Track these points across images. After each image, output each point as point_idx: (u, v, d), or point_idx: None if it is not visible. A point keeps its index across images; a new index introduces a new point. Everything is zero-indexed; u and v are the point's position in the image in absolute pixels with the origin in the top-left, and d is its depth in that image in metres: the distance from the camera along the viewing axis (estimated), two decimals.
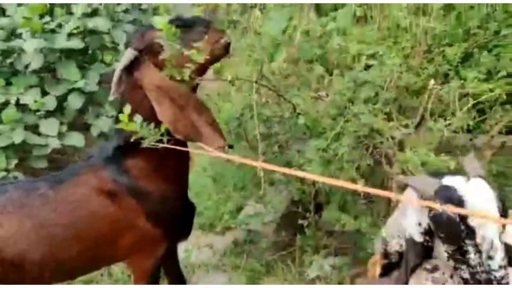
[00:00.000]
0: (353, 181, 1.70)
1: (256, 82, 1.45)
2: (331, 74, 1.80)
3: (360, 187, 1.23)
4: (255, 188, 2.58)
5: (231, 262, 2.27)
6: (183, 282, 1.85)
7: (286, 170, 1.24)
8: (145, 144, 1.34)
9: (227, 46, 1.45)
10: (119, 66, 1.47)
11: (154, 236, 1.55)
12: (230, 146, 1.52)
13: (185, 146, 1.50)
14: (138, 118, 1.34)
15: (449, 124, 1.56)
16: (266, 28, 1.58)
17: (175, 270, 1.83)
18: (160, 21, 1.31)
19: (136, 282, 1.67)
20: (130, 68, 1.46)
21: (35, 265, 1.46)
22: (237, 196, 2.59)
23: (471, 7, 1.99)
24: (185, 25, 1.42)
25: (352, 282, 2.17)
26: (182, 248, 2.27)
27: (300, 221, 2.20)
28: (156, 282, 1.66)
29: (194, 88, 1.50)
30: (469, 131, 2.47)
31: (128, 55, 1.45)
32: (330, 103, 1.69)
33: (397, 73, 1.65)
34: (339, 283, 2.18)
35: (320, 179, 1.31)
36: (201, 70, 1.45)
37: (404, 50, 1.74)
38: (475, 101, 1.60)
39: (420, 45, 1.90)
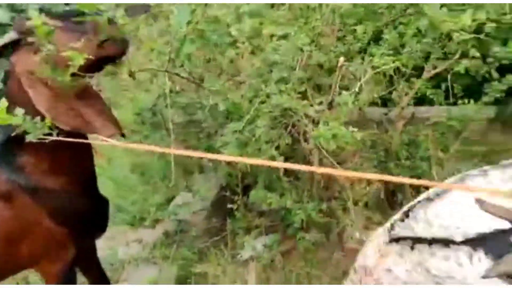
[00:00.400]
0: (273, 159, 1.74)
1: (166, 71, 1.39)
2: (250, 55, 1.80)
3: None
4: (183, 178, 2.55)
5: (162, 253, 2.23)
6: (105, 280, 1.77)
7: (198, 154, 1.22)
8: (30, 138, 1.23)
9: (122, 46, 1.36)
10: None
11: (60, 236, 1.45)
12: (122, 135, 1.44)
13: (81, 137, 1.35)
14: (19, 110, 1.21)
15: (356, 98, 1.64)
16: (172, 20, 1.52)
17: (94, 269, 1.74)
18: (35, 15, 1.18)
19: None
20: (9, 54, 1.32)
21: None
22: (164, 188, 2.53)
23: None
24: (68, 15, 1.32)
25: (283, 258, 2.25)
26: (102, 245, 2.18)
27: (229, 205, 2.22)
28: (73, 282, 1.57)
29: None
30: (385, 105, 2.64)
31: (6, 38, 1.32)
32: (246, 86, 1.69)
33: (307, 52, 1.69)
34: (271, 261, 2.24)
35: (238, 159, 1.31)
36: (95, 66, 1.36)
37: (314, 30, 1.79)
38: (373, 72, 1.68)
39: (331, 25, 1.97)
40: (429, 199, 1.21)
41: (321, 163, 2.24)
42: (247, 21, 1.64)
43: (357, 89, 1.62)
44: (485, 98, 2.24)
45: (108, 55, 1.37)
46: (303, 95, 1.89)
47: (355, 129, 1.53)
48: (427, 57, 2.23)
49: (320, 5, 1.84)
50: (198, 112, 1.96)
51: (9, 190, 1.38)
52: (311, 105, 1.70)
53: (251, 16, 1.71)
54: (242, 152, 1.65)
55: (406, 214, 1.20)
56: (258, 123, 1.62)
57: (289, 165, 1.35)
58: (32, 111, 1.25)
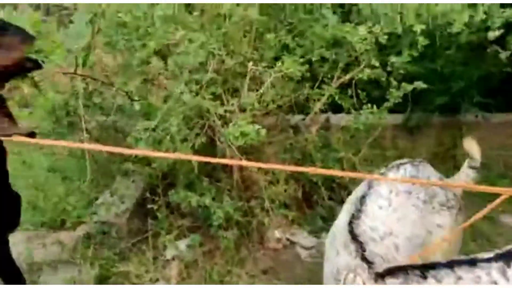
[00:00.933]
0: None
1: (74, 73, 1.43)
2: (163, 58, 1.89)
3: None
4: (105, 180, 2.55)
5: (82, 254, 2.21)
6: (19, 278, 1.74)
7: (112, 149, 1.28)
8: None
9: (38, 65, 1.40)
10: None
11: None
12: (31, 134, 1.47)
13: None
14: None
15: (261, 99, 1.78)
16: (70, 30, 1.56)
17: (7, 266, 1.71)
18: None
19: None
20: None
21: None
22: (85, 190, 2.52)
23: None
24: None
25: (205, 257, 2.31)
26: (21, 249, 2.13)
27: (149, 206, 2.26)
28: None
29: None
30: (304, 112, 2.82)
31: None
32: (160, 88, 1.77)
33: (218, 57, 1.81)
34: (194, 261, 2.30)
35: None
36: (4, 76, 1.39)
37: (225, 36, 1.92)
38: (274, 76, 1.84)
39: (245, 32, 2.11)
40: None
41: (241, 166, 2.37)
42: (160, 25, 1.73)
43: (261, 91, 1.76)
44: (386, 104, 2.50)
45: (24, 70, 1.40)
46: (219, 97, 2.01)
47: (260, 127, 1.66)
48: (334, 65, 2.46)
49: (231, 12, 1.98)
50: (113, 112, 2.00)
51: None
52: (222, 105, 1.82)
53: (165, 20, 1.80)
54: (156, 149, 1.72)
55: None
56: (171, 121, 1.70)
57: (204, 159, 1.42)
58: None
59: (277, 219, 2.43)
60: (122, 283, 2.13)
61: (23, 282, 1.76)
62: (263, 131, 1.66)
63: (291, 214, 2.36)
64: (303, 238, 2.53)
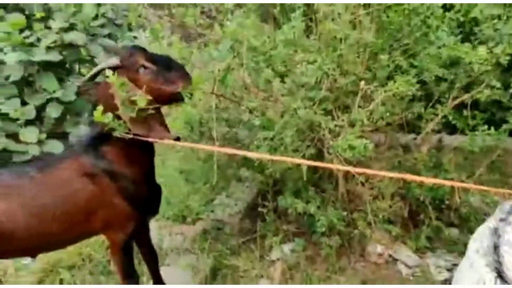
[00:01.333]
0: (299, 166, 2.01)
1: (212, 93, 1.73)
2: (281, 77, 2.12)
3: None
4: (223, 184, 2.87)
5: (200, 246, 2.54)
6: (155, 254, 2.12)
7: (240, 152, 1.53)
8: (116, 134, 1.63)
9: (178, 95, 1.70)
10: (101, 65, 1.75)
11: (126, 211, 1.81)
12: (177, 139, 1.79)
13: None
14: (109, 114, 1.61)
15: (371, 116, 1.89)
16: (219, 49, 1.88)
17: (147, 243, 2.09)
18: (111, 76, 1.56)
19: (112, 253, 1.92)
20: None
21: (22, 238, 1.68)
22: (205, 190, 2.88)
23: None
24: (162, 64, 1.71)
25: (307, 262, 2.46)
26: (155, 234, 2.53)
27: (260, 209, 2.49)
28: (129, 253, 1.92)
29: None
30: (415, 132, 2.82)
31: (112, 61, 1.72)
32: (279, 103, 2.00)
33: (331, 76, 1.97)
34: (296, 264, 2.46)
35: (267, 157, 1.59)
36: (163, 101, 1.73)
37: (340, 58, 2.07)
38: (385, 95, 1.92)
39: (358, 53, 2.24)
40: None
41: (346, 178, 2.48)
42: (281, 48, 1.96)
43: (371, 108, 1.86)
44: (505, 126, 2.38)
45: (174, 101, 1.77)
46: (331, 113, 2.16)
47: (368, 141, 1.77)
48: (451, 86, 2.43)
49: (347, 36, 2.13)
50: (237, 125, 2.29)
51: (93, 171, 1.76)
52: (333, 120, 1.97)
53: (286, 45, 2.03)
54: (272, 154, 1.95)
55: None
56: (286, 133, 1.91)
57: (312, 163, 1.59)
58: (116, 116, 1.64)
59: (380, 234, 2.46)
60: (232, 275, 2.39)
61: (156, 257, 2.12)
62: (371, 146, 1.76)
63: (395, 230, 2.37)
64: (406, 256, 2.52)
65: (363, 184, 2.44)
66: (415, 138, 2.76)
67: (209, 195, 2.93)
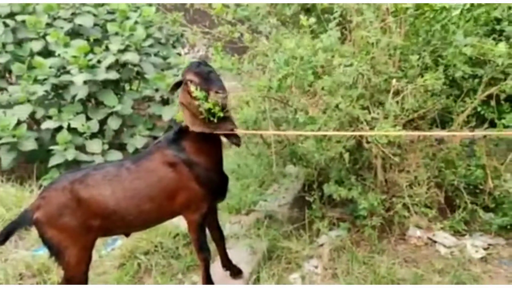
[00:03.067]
0: (341, 155, 2.33)
1: (266, 96, 2.11)
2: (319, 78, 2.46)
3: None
4: (273, 177, 3.23)
5: (255, 232, 2.88)
6: (222, 235, 2.48)
7: (294, 133, 1.85)
8: (193, 129, 2.11)
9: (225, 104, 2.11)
10: (175, 81, 2.21)
11: (200, 194, 2.19)
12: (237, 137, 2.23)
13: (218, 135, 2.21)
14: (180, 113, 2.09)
15: (403, 107, 2.18)
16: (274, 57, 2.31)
17: (216, 225, 2.46)
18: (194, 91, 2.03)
19: (189, 231, 2.30)
20: (180, 84, 2.18)
21: (123, 215, 2.11)
22: (256, 185, 3.24)
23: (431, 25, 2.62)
24: (202, 77, 2.11)
25: (351, 245, 2.72)
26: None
27: (307, 198, 2.80)
28: (203, 231, 2.29)
29: None
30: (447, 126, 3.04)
31: (177, 79, 2.20)
32: (321, 102, 2.32)
33: (366, 76, 2.28)
34: (342, 246, 2.73)
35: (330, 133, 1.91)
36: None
37: (373, 60, 2.37)
38: (412, 88, 2.20)
39: (389, 56, 2.53)
40: None
41: (385, 167, 2.74)
42: (321, 54, 2.29)
43: (402, 101, 2.15)
44: None
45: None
46: (367, 109, 2.46)
47: (400, 128, 2.05)
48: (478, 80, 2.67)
49: (378, 41, 2.43)
50: (284, 123, 2.64)
51: (175, 161, 2.17)
52: (369, 113, 2.27)
53: (324, 51, 2.36)
54: (318, 145, 2.28)
55: None
56: (330, 125, 2.23)
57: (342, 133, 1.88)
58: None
59: (418, 217, 2.70)
60: (285, 256, 2.70)
61: (223, 237, 2.50)
62: (403, 132, 2.04)
63: (431, 213, 2.60)
64: (443, 238, 2.74)
65: (400, 172, 2.71)
66: (448, 131, 2.99)
67: (260, 189, 3.28)
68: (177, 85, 2.20)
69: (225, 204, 3.18)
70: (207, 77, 2.13)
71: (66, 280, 2.16)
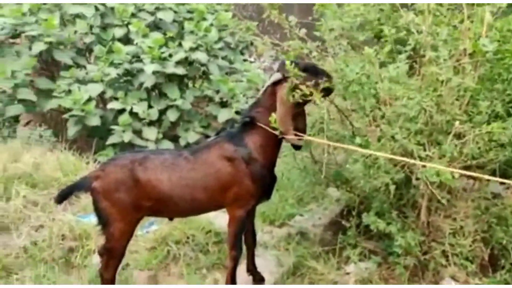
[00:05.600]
0: (386, 186, 2.29)
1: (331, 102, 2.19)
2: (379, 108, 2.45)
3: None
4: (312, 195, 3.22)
5: (284, 246, 2.88)
6: (255, 237, 2.53)
7: (350, 147, 1.87)
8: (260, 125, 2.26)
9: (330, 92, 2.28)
10: (270, 80, 2.31)
11: (251, 191, 2.26)
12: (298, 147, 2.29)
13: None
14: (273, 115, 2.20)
15: (460, 151, 2.11)
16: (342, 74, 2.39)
17: (251, 227, 2.52)
18: (290, 68, 2.15)
19: (230, 225, 2.35)
20: (274, 84, 2.27)
21: (176, 201, 2.23)
22: (294, 199, 3.26)
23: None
24: (309, 69, 2.23)
25: (379, 280, 2.65)
26: None
27: (343, 223, 2.77)
28: (242, 229, 2.35)
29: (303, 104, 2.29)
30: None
31: (276, 76, 2.27)
32: (378, 129, 2.31)
33: (428, 113, 2.24)
34: (369, 280, 2.67)
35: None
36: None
37: (439, 98, 2.32)
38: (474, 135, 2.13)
39: (458, 97, 2.47)
40: None
41: (430, 210, 2.65)
42: (386, 84, 2.29)
43: (462, 146, 2.09)
44: None
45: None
46: (423, 146, 2.41)
47: (455, 170, 1.99)
48: None
49: (449, 79, 2.38)
50: (340, 139, 2.66)
51: (233, 156, 2.25)
52: (424, 150, 2.22)
53: (390, 81, 2.35)
54: (366, 171, 2.27)
55: None
56: (380, 154, 2.21)
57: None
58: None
59: (454, 269, 2.57)
60: (309, 275, 2.68)
61: (255, 239, 2.55)
62: (457, 175, 1.98)
63: (471, 267, 2.47)
64: None
65: (445, 217, 2.61)
66: (507, 188, 2.84)
67: (298, 205, 3.29)
68: (275, 84, 2.27)
69: (261, 212, 3.21)
70: (313, 70, 2.27)
71: (106, 250, 2.30)
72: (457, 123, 2.26)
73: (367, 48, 2.34)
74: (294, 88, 2.20)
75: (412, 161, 2.03)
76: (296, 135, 2.24)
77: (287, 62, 2.21)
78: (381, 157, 2.22)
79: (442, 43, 2.40)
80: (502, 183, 2.94)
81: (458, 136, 2.35)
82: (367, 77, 2.44)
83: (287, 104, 2.21)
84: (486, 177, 1.99)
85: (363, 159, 2.27)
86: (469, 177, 2.70)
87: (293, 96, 2.20)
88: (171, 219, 2.49)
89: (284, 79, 2.24)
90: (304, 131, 2.34)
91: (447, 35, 2.44)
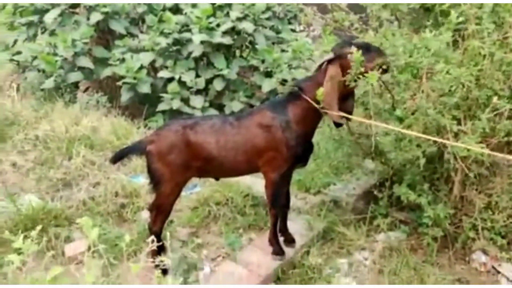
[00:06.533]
0: (417, 159, 2.33)
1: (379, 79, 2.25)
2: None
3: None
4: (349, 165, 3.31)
5: (317, 212, 3.02)
6: (289, 199, 2.69)
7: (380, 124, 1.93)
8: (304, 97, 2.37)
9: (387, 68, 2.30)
10: (324, 59, 2.38)
11: (285, 157, 2.41)
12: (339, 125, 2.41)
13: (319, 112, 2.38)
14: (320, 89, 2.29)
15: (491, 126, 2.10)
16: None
17: (286, 190, 2.67)
18: (355, 54, 2.18)
19: (266, 187, 2.53)
20: (328, 61, 2.35)
21: (221, 162, 2.43)
22: (332, 169, 3.37)
23: None
24: (363, 48, 2.25)
25: (407, 250, 2.72)
26: None
27: (375, 193, 2.85)
28: (278, 189, 2.50)
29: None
30: None
31: (329, 56, 2.35)
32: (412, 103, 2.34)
33: (467, 87, 2.22)
34: (398, 249, 2.75)
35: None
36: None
37: (480, 72, 2.28)
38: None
39: (499, 71, 2.41)
40: None
41: (464, 184, 2.66)
42: (426, 57, 2.29)
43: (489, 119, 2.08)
44: None
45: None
46: (458, 120, 2.40)
47: (484, 146, 2.00)
48: None
49: (492, 54, 2.33)
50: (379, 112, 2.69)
51: (271, 124, 2.40)
52: (459, 125, 2.23)
53: (434, 54, 2.33)
54: (396, 144, 2.33)
55: None
56: (412, 127, 2.24)
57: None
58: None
59: (484, 243, 2.58)
60: (339, 240, 2.82)
61: (289, 204, 2.72)
62: (486, 150, 1.99)
63: (502, 241, 2.49)
64: (510, 271, 2.60)
65: (479, 192, 2.61)
66: None
67: (334, 175, 3.39)
68: (330, 62, 2.34)
69: (296, 180, 3.35)
70: (368, 48, 2.31)
71: (156, 206, 2.56)
72: (495, 98, 2.23)
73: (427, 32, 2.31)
74: (346, 68, 2.26)
75: (434, 138, 2.05)
76: (339, 114, 2.31)
77: (354, 55, 2.19)
78: (413, 130, 2.25)
79: (486, 15, 2.33)
80: None
81: (495, 111, 2.33)
82: (409, 52, 2.43)
83: (334, 82, 2.29)
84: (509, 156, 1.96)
85: (394, 133, 2.32)
86: (509, 152, 2.67)
87: (345, 75, 2.26)
88: (217, 179, 2.71)
89: (337, 57, 2.31)
90: (350, 113, 2.41)
91: (493, 6, 2.36)
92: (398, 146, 2.37)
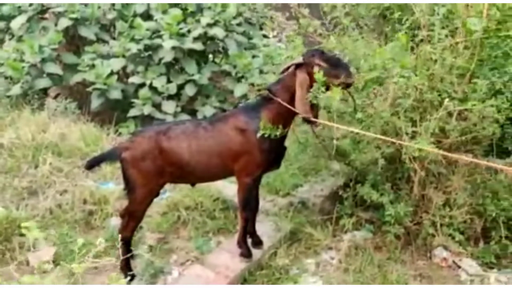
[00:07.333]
0: (376, 161, 2.42)
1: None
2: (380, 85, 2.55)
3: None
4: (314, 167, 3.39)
5: (284, 213, 3.08)
6: (257, 204, 2.70)
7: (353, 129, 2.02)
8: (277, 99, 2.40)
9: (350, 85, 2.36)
10: (294, 61, 2.43)
11: (258, 161, 2.45)
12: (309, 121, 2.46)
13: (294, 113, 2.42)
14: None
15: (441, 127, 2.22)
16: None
17: (256, 193, 2.68)
18: (317, 74, 2.25)
19: (239, 191, 2.56)
20: (296, 66, 2.39)
21: (195, 167, 2.44)
22: (299, 171, 3.44)
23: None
24: (332, 62, 2.33)
25: (372, 247, 2.82)
26: None
27: (341, 193, 2.93)
28: (250, 194, 2.54)
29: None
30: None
31: (298, 60, 2.40)
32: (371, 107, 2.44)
33: (419, 90, 2.33)
34: (363, 248, 2.83)
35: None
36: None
37: (431, 76, 2.40)
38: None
39: (450, 74, 2.53)
40: None
41: (424, 184, 2.77)
42: (380, 62, 2.39)
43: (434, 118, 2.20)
44: None
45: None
46: (413, 121, 2.51)
47: (435, 146, 2.11)
48: None
49: (443, 59, 2.46)
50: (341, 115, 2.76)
51: (245, 128, 2.43)
52: (413, 126, 2.33)
53: (387, 59, 2.44)
54: (354, 146, 2.41)
55: None
56: (370, 130, 2.33)
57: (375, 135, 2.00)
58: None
59: (443, 239, 2.70)
60: (306, 241, 2.89)
61: (258, 207, 2.74)
62: (440, 152, 2.09)
63: (459, 236, 2.60)
64: (469, 265, 2.72)
65: (438, 190, 2.73)
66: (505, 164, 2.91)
67: (302, 177, 3.47)
68: (298, 67, 2.39)
69: (266, 182, 3.41)
70: (337, 63, 2.36)
71: (128, 212, 2.56)
72: (446, 100, 2.34)
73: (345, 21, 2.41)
74: (313, 76, 2.31)
75: (388, 139, 2.15)
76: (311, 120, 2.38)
77: (316, 75, 2.27)
78: (371, 132, 2.34)
79: (438, 22, 2.46)
80: (500, 158, 3.02)
81: (449, 113, 2.45)
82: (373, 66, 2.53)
83: (304, 88, 2.34)
84: (460, 157, 2.07)
85: (351, 135, 2.41)
86: (466, 151, 2.81)
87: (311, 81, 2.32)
88: (193, 185, 2.73)
89: (305, 64, 2.37)
90: (316, 117, 2.46)
91: (445, 13, 2.49)
92: (357, 148, 2.46)
